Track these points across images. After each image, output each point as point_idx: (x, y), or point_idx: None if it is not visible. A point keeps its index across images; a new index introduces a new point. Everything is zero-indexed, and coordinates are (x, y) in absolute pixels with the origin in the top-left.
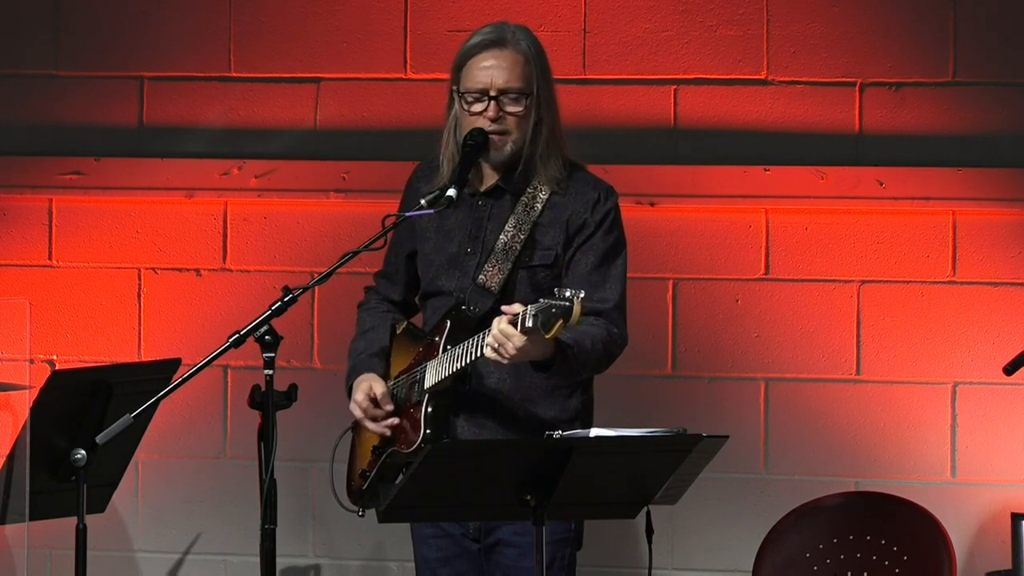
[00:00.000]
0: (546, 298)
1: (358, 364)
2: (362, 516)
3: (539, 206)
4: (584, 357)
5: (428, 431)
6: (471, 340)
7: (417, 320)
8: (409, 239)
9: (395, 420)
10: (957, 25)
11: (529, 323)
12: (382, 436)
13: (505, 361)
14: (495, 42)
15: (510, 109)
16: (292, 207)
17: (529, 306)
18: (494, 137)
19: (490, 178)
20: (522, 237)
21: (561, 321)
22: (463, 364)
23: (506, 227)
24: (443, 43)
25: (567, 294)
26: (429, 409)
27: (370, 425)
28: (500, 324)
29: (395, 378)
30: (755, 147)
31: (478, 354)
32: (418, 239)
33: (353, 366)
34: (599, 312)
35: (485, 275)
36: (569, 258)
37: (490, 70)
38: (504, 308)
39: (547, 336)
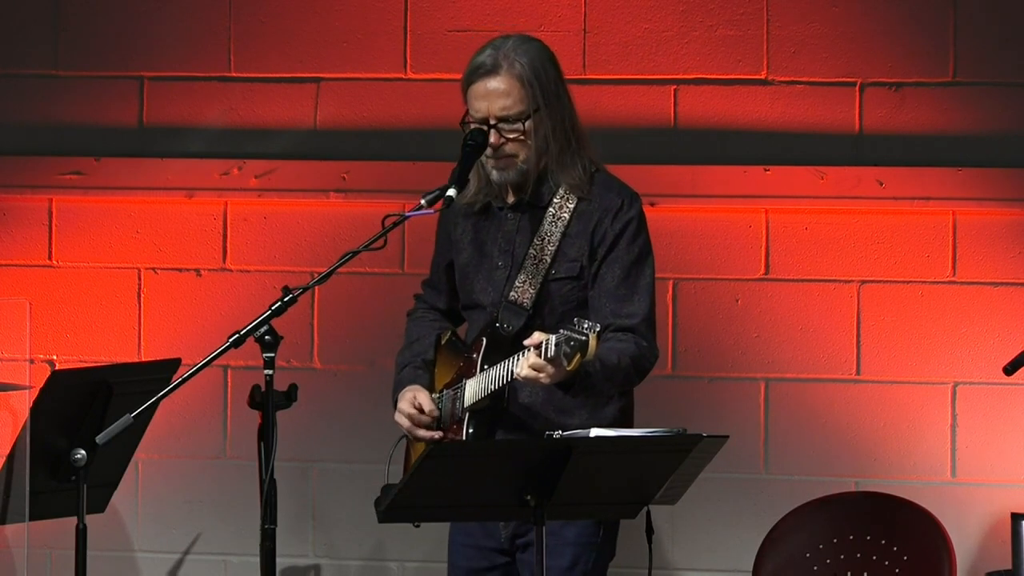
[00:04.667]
0: (567, 328)
1: (403, 377)
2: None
3: (567, 216)
4: (609, 373)
5: None
6: (503, 364)
7: (462, 330)
8: (447, 250)
9: (438, 433)
10: (957, 25)
11: (551, 353)
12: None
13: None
14: (490, 69)
15: (510, 135)
16: (292, 207)
17: (551, 336)
18: (501, 160)
19: (514, 193)
20: (551, 249)
21: (579, 355)
22: (498, 386)
23: (535, 239)
24: (443, 43)
25: (585, 327)
26: (470, 430)
27: (419, 432)
28: (530, 360)
29: (440, 391)
30: (755, 147)
31: (510, 379)
32: (454, 250)
33: (398, 379)
34: (628, 328)
35: (516, 292)
36: (595, 271)
37: (486, 99)
38: (526, 342)
39: (568, 368)
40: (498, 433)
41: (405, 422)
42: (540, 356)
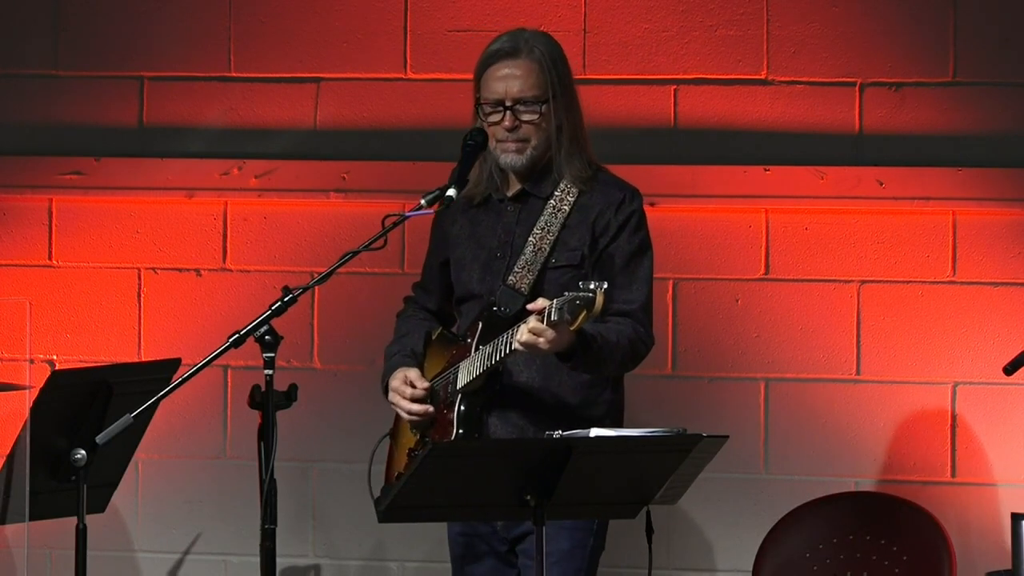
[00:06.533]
0: (572, 290)
1: (392, 364)
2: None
3: (567, 208)
4: (609, 350)
5: (460, 431)
6: (500, 338)
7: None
8: (442, 248)
9: (430, 408)
10: (957, 25)
11: (555, 316)
12: (417, 439)
13: (536, 354)
14: (509, 52)
15: (526, 118)
16: (292, 207)
17: (555, 300)
18: (514, 144)
19: (517, 184)
20: (550, 239)
21: (585, 312)
22: (494, 362)
23: (535, 229)
24: (443, 43)
25: (591, 286)
26: (461, 408)
27: (411, 406)
28: (530, 324)
29: (430, 381)
30: (755, 147)
31: (507, 351)
32: (450, 247)
33: (387, 367)
34: (625, 313)
35: (515, 277)
36: (595, 260)
37: (504, 80)
38: (530, 306)
39: (572, 328)
40: (492, 417)
41: (396, 398)
42: (542, 321)
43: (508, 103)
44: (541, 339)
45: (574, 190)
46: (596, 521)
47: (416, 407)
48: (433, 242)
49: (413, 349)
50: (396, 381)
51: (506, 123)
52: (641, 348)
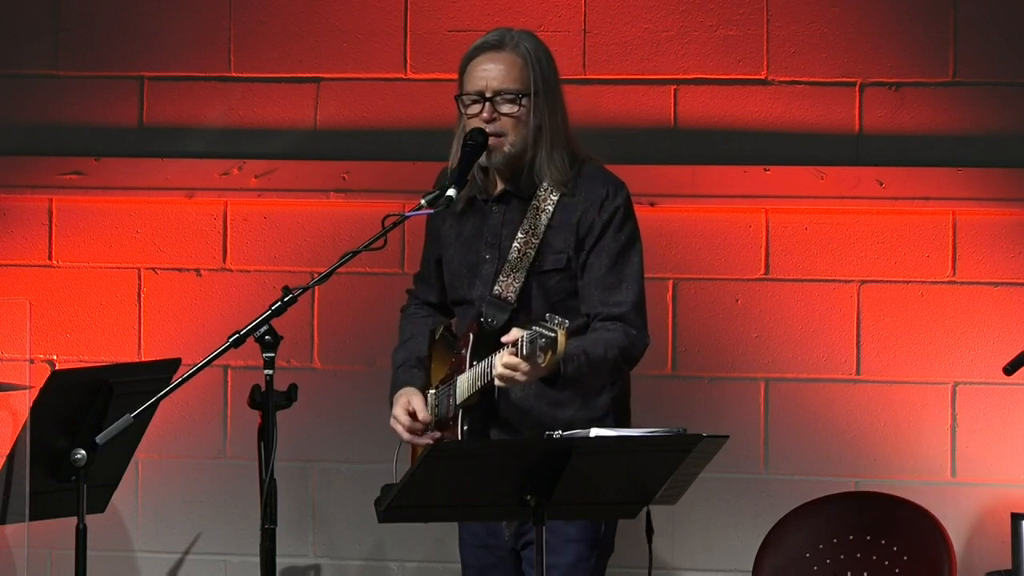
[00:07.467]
0: (539, 324)
1: (398, 377)
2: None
3: (550, 208)
4: (596, 366)
5: None
6: (486, 361)
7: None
8: (436, 245)
9: (436, 434)
10: (957, 25)
11: (526, 350)
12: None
13: (516, 387)
14: (494, 45)
15: (505, 110)
16: (292, 207)
17: (525, 333)
18: (491, 139)
19: (499, 183)
20: (535, 242)
21: (550, 352)
22: (484, 383)
23: (518, 233)
24: (443, 43)
25: (555, 323)
26: (465, 427)
27: (413, 439)
28: (503, 359)
29: (436, 387)
30: (755, 147)
31: (491, 376)
32: (441, 246)
33: (394, 379)
34: (616, 316)
35: (500, 286)
36: (583, 261)
37: (486, 72)
38: (504, 338)
39: (543, 365)
40: (492, 429)
41: (399, 428)
42: (515, 354)
43: (488, 94)
44: (517, 373)
45: (556, 190)
46: (602, 530)
47: (417, 440)
48: (428, 238)
49: (418, 356)
50: (398, 408)
51: (484, 114)
52: (635, 352)
